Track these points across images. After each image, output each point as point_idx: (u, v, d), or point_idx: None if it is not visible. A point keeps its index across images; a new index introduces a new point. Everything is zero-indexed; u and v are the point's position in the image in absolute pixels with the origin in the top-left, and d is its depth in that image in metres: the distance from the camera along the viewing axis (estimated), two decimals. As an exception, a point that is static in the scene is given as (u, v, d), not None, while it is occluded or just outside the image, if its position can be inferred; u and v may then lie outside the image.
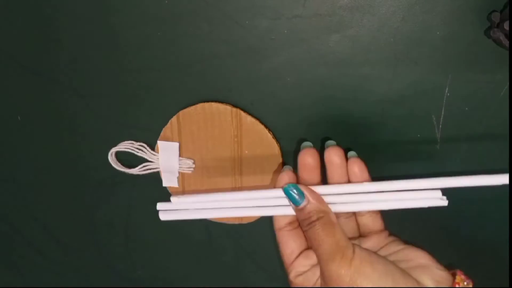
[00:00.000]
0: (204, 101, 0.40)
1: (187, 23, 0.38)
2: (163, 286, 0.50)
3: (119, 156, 0.44)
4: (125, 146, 0.43)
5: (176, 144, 0.42)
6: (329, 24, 0.37)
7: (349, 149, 0.39)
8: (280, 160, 0.41)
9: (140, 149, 0.43)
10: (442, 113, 0.38)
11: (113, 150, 0.43)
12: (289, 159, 0.41)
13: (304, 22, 0.37)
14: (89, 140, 0.44)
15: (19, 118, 0.44)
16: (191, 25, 0.38)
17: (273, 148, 0.41)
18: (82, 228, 0.49)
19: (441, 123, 0.39)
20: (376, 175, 0.41)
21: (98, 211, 0.47)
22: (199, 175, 0.43)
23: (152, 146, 0.43)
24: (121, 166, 0.44)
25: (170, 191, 0.44)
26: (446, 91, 0.38)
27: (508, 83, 0.37)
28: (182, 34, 0.39)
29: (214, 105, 0.40)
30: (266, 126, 0.40)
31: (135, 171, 0.43)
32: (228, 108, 0.40)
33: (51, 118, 0.44)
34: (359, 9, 0.36)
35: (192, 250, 0.48)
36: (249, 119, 0.40)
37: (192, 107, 0.40)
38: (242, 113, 0.40)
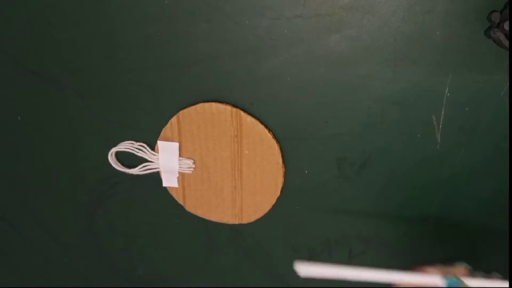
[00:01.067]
0: (204, 101, 0.40)
1: (187, 23, 0.38)
2: (163, 286, 0.50)
3: (119, 156, 0.44)
4: (125, 146, 0.43)
5: (176, 144, 0.42)
6: (329, 24, 0.37)
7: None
8: (280, 160, 0.41)
9: (140, 149, 0.43)
10: (442, 113, 0.38)
11: (113, 150, 0.43)
12: (289, 159, 0.41)
13: (304, 22, 0.37)
14: (89, 140, 0.44)
15: (19, 118, 0.44)
16: (191, 25, 0.38)
17: (273, 148, 0.41)
18: (82, 228, 0.48)
19: (441, 123, 0.39)
20: (376, 175, 0.41)
21: (98, 211, 0.47)
22: (199, 175, 0.43)
23: (152, 146, 0.43)
24: (121, 166, 0.44)
25: (170, 191, 0.44)
26: (446, 91, 0.38)
27: (508, 83, 0.37)
28: (182, 34, 0.39)
29: (214, 105, 0.40)
30: (266, 126, 0.40)
31: (135, 171, 0.43)
32: (228, 108, 0.40)
33: (51, 118, 0.44)
34: (359, 9, 0.36)
35: (192, 250, 0.48)
36: (249, 119, 0.40)
37: (192, 107, 0.40)
38: (242, 113, 0.40)
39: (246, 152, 0.41)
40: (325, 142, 0.41)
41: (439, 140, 0.39)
